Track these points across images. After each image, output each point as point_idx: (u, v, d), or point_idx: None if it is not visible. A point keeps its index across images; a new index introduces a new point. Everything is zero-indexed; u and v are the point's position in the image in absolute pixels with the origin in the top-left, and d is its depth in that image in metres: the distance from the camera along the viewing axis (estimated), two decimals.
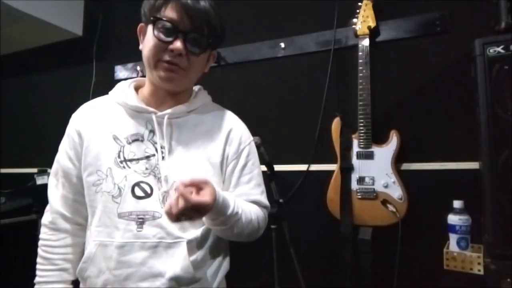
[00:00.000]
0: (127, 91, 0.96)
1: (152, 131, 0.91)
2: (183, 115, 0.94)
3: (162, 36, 0.84)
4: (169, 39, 0.84)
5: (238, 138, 0.97)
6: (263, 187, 1.01)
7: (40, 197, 2.33)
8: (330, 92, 1.80)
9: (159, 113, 0.91)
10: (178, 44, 0.83)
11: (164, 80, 0.88)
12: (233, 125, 0.98)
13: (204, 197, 0.73)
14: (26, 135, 2.76)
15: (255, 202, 0.97)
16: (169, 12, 0.84)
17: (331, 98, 1.80)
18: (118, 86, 0.98)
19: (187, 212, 0.72)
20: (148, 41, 0.88)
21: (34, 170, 2.41)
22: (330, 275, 1.73)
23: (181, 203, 0.70)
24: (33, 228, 2.29)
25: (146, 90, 0.96)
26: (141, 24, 0.92)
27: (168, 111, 0.91)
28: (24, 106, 2.81)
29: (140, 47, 0.93)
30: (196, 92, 1.01)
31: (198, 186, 0.74)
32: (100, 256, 0.86)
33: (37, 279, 0.92)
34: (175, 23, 0.84)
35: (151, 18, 0.85)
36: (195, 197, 0.72)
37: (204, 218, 0.84)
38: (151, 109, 0.91)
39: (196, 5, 0.84)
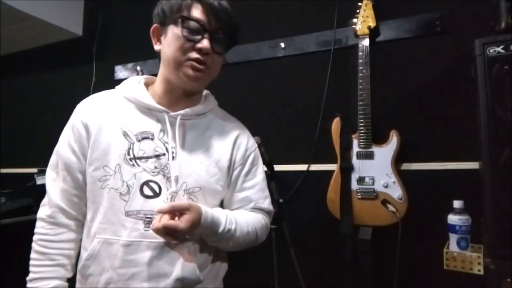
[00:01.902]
0: (137, 87, 0.95)
1: (162, 130, 0.90)
2: (193, 118, 0.94)
3: (190, 35, 0.85)
4: (197, 38, 0.86)
5: (245, 144, 0.99)
6: (267, 193, 1.02)
7: (40, 197, 2.33)
8: (330, 92, 1.80)
9: (172, 113, 0.91)
10: (205, 43, 0.85)
11: (192, 79, 0.88)
12: (240, 131, 1.00)
13: (179, 222, 0.77)
14: (26, 135, 2.76)
15: (257, 208, 0.98)
16: (195, 13, 0.86)
17: (331, 98, 1.80)
18: (127, 81, 0.97)
19: (158, 233, 0.78)
20: (172, 41, 0.87)
21: (34, 170, 2.42)
22: (330, 275, 1.73)
23: (155, 225, 0.77)
24: (33, 228, 2.29)
25: (158, 88, 0.95)
26: (156, 25, 0.92)
27: (181, 112, 0.92)
28: (24, 106, 2.81)
29: (157, 47, 0.92)
30: (205, 96, 1.02)
31: (179, 211, 0.79)
32: (104, 254, 0.85)
33: (31, 276, 0.88)
34: (202, 23, 0.85)
35: (179, 19, 0.86)
36: (166, 222, 0.77)
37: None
38: (163, 108, 0.91)
39: (220, 6, 0.86)
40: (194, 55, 0.86)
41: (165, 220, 0.77)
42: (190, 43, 0.85)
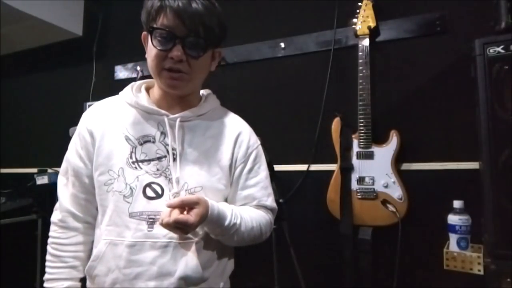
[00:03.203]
0: (138, 92, 0.97)
1: (163, 133, 0.92)
2: (193, 119, 0.95)
3: (160, 45, 0.85)
4: (168, 46, 0.85)
5: (246, 142, 0.99)
6: (270, 190, 1.02)
7: (40, 197, 2.33)
8: (330, 92, 1.80)
9: (171, 116, 0.92)
10: (176, 51, 0.84)
11: (169, 88, 0.90)
12: (241, 129, 1.00)
13: (189, 216, 0.78)
14: (26, 135, 2.76)
15: (261, 206, 0.98)
16: (164, 20, 0.85)
17: (331, 98, 1.80)
18: (129, 87, 0.99)
19: (169, 227, 0.78)
20: (149, 51, 0.89)
21: (34, 170, 2.41)
22: (330, 275, 1.73)
23: (165, 219, 0.77)
24: (33, 228, 2.30)
25: (156, 93, 0.97)
26: (144, 33, 0.93)
27: (180, 114, 0.93)
28: (24, 106, 2.82)
29: (146, 55, 0.93)
30: (206, 96, 1.02)
31: (188, 205, 0.79)
32: (110, 255, 0.87)
33: (46, 276, 0.92)
34: (170, 29, 0.84)
35: (149, 29, 0.87)
36: (177, 216, 0.77)
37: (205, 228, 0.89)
38: (163, 111, 0.92)
39: (188, 9, 0.84)
40: (168, 64, 0.86)
41: (176, 214, 0.77)
42: (163, 52, 0.86)
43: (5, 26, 2.22)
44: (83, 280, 0.95)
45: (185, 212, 0.79)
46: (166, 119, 0.91)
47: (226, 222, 0.87)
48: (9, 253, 2.39)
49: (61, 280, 0.91)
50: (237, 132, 0.99)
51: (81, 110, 0.99)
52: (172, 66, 0.86)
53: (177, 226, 0.77)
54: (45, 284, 0.92)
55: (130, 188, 0.87)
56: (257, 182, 0.98)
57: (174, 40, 0.84)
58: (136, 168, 0.89)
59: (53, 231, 0.95)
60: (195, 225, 0.79)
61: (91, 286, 0.92)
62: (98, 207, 0.92)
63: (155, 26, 0.85)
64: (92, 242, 0.95)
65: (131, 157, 0.89)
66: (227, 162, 0.95)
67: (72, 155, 0.95)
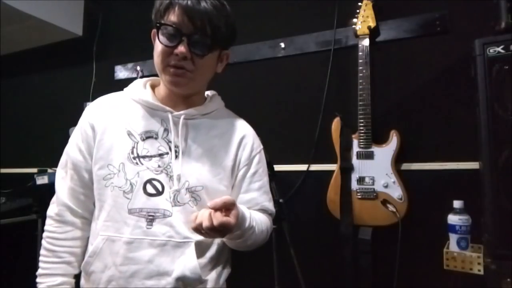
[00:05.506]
0: (143, 88, 0.97)
1: (166, 130, 0.91)
2: (197, 117, 0.95)
3: (166, 41, 0.86)
4: (174, 43, 0.85)
5: (250, 145, 0.99)
6: (270, 195, 1.03)
7: (40, 197, 2.33)
8: (330, 92, 1.80)
9: (176, 113, 0.92)
10: (181, 48, 0.84)
11: (172, 84, 0.89)
12: (245, 132, 1.00)
13: (230, 218, 0.76)
14: (26, 135, 2.76)
15: (263, 209, 0.99)
16: (172, 17, 0.85)
17: (331, 98, 1.80)
18: (134, 83, 0.99)
19: (212, 231, 0.75)
20: (156, 47, 0.89)
21: (34, 170, 2.41)
22: (330, 275, 1.73)
23: (207, 223, 0.74)
24: (33, 228, 2.29)
25: (162, 91, 0.97)
26: (154, 30, 0.93)
27: (184, 111, 0.92)
28: (24, 106, 2.81)
29: (154, 52, 0.93)
30: (211, 97, 1.02)
31: (227, 207, 0.77)
32: (107, 251, 0.86)
33: (39, 271, 0.91)
34: (177, 26, 0.84)
35: (156, 24, 0.87)
36: (221, 219, 0.75)
37: None
38: (167, 108, 0.92)
39: (197, 7, 0.84)
40: (173, 61, 0.86)
41: (220, 217, 0.75)
42: (168, 48, 0.86)
43: (5, 26, 2.22)
44: (77, 277, 0.93)
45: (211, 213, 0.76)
46: (170, 115, 0.91)
47: (247, 224, 0.86)
48: (9, 253, 2.38)
49: (55, 275, 0.90)
50: (241, 134, 0.98)
51: (81, 110, 0.99)
52: (176, 63, 0.86)
53: (219, 230, 0.75)
54: (38, 279, 0.90)
55: (131, 184, 0.87)
56: (260, 186, 0.98)
57: (180, 37, 0.85)
58: (137, 163, 0.88)
59: (49, 225, 0.93)
60: (233, 227, 0.77)
61: (85, 284, 0.91)
62: (96, 201, 0.91)
63: (162, 22, 0.86)
64: (88, 237, 0.93)
65: (132, 153, 0.88)
66: (230, 163, 0.94)
67: (72, 148, 0.94)
